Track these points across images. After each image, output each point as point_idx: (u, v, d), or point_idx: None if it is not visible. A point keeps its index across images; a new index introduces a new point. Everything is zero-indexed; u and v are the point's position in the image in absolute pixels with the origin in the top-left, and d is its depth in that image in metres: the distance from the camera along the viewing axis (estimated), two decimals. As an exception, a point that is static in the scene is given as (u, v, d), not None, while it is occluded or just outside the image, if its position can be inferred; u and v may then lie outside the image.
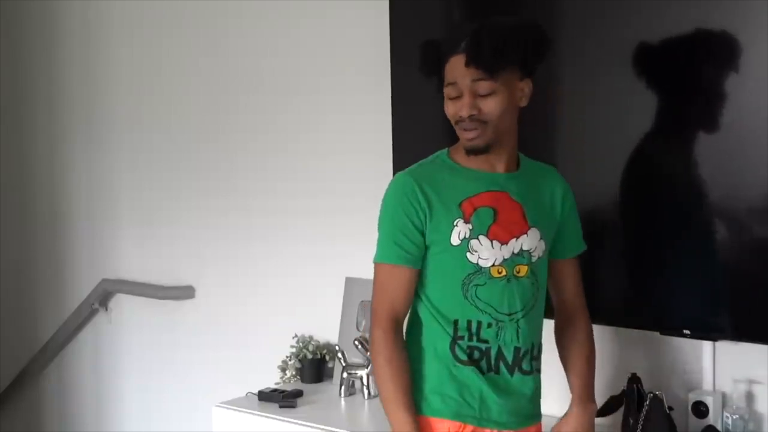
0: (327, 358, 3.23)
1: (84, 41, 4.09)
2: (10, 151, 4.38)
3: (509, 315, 2.12)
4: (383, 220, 2.17)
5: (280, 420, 2.86)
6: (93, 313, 4.09)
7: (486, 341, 2.12)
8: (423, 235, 2.12)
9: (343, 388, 3.04)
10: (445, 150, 2.21)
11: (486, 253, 2.10)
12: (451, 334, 2.12)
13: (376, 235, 2.18)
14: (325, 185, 3.34)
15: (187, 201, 3.76)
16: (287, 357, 3.26)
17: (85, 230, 4.16)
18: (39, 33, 4.24)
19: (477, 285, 2.11)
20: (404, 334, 2.19)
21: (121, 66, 3.98)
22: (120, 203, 4.02)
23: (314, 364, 3.20)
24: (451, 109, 2.11)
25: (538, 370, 2.20)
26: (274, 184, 3.49)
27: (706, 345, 2.50)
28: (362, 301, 3.11)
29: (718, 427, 2.44)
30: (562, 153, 2.63)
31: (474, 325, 2.11)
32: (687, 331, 2.45)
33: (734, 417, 2.42)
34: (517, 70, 2.09)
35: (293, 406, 2.94)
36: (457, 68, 2.07)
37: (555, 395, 2.37)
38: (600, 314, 2.28)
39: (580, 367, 2.27)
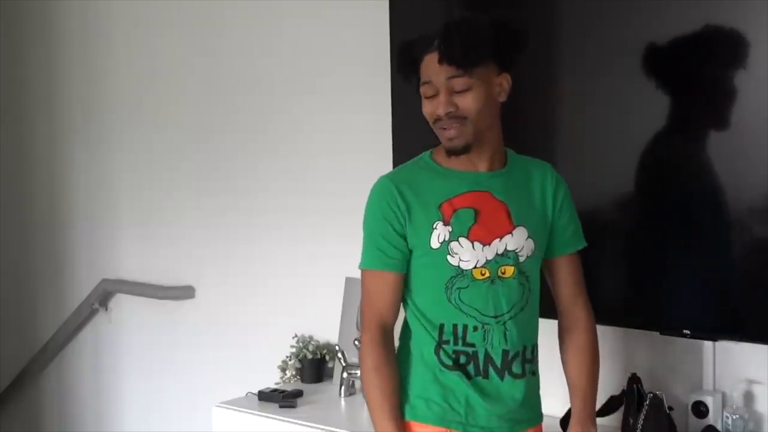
0: (327, 358, 3.23)
1: (83, 41, 4.09)
2: (10, 151, 4.38)
3: (495, 317, 2.08)
4: (365, 226, 2.14)
5: (280, 420, 2.86)
6: (93, 313, 4.08)
7: (473, 345, 2.08)
8: (405, 239, 2.09)
9: (343, 388, 3.04)
10: (429, 151, 2.17)
11: (467, 255, 2.06)
12: (436, 338, 2.09)
13: (375, 235, 2.17)
14: (325, 185, 3.33)
15: (187, 201, 3.76)
16: (287, 357, 3.26)
17: (84, 230, 4.16)
18: (39, 33, 4.23)
19: (460, 288, 2.07)
20: (397, 339, 2.17)
21: (120, 66, 3.98)
22: (120, 203, 4.02)
23: (314, 364, 3.20)
24: (428, 108, 2.07)
25: (533, 373, 2.15)
26: (274, 184, 3.49)
27: (706, 345, 2.49)
28: (362, 301, 3.11)
29: (718, 427, 2.44)
30: (562, 153, 2.62)
31: (460, 329, 2.08)
32: (687, 331, 2.45)
33: (734, 417, 2.42)
34: (494, 65, 2.05)
35: (293, 406, 2.94)
36: (431, 66, 2.04)
37: (555, 395, 2.35)
38: (600, 314, 2.27)
39: (581, 385, 2.20)
